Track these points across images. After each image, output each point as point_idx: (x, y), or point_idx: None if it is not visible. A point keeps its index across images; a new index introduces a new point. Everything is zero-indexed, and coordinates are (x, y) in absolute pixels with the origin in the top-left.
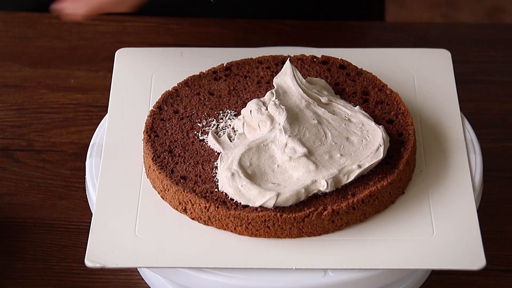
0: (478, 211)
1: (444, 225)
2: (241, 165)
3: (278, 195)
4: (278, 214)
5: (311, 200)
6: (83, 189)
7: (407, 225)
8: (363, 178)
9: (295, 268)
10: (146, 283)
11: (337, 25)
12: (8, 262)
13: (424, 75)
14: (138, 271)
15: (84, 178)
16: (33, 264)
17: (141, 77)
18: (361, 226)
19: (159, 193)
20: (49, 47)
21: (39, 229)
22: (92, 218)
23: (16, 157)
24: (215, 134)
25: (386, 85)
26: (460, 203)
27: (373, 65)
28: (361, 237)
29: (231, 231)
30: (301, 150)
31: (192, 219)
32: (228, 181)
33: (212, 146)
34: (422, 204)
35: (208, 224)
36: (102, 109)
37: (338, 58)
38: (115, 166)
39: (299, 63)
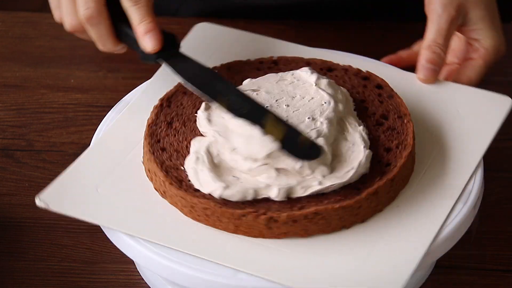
0: (478, 211)
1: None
2: (209, 152)
3: (225, 188)
4: (218, 205)
5: (259, 202)
6: None
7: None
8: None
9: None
10: (146, 283)
11: (337, 25)
12: (8, 262)
13: None
14: (138, 272)
15: None
16: (33, 264)
17: None
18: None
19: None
20: (49, 47)
21: (39, 229)
22: (68, 168)
23: (16, 157)
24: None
25: (409, 114)
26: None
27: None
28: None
29: (179, 210)
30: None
31: (155, 189)
32: (192, 163)
33: (200, 122)
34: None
35: (164, 198)
36: (102, 109)
37: (378, 77)
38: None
39: (342, 71)
